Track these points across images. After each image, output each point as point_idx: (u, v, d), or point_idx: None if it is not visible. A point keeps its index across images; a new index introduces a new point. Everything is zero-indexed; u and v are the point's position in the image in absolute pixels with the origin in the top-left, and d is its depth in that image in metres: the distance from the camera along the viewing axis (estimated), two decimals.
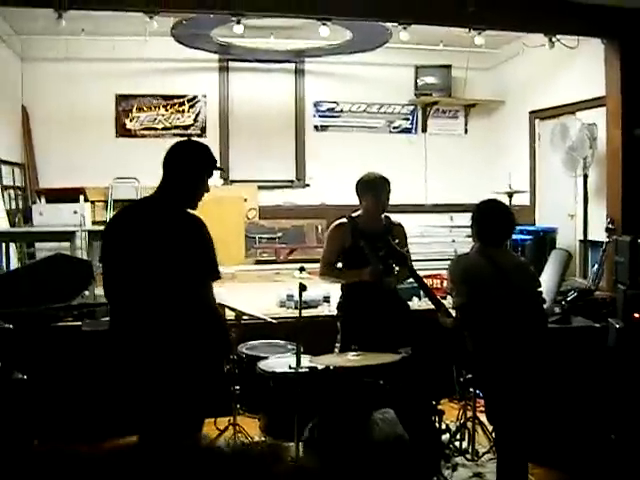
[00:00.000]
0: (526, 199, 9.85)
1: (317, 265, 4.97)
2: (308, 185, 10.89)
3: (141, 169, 9.30)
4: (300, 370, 4.31)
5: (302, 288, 4.42)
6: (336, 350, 4.67)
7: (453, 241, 10.12)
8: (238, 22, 7.37)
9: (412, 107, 11.26)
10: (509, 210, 4.28)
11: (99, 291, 6.40)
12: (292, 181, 10.93)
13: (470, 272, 4.03)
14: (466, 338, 3.99)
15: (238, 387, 4.67)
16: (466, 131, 11.43)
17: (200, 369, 3.40)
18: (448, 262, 4.34)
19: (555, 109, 9.36)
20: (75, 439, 4.84)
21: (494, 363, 3.87)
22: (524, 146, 10.20)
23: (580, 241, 8.73)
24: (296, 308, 5.07)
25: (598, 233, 7.87)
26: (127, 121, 10.38)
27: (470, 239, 4.31)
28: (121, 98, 10.32)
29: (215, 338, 3.47)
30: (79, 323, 5.48)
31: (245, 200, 10.23)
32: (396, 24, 7.64)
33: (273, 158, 10.85)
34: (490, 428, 4.53)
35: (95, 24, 8.73)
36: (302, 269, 5.29)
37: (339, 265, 4.83)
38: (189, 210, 3.49)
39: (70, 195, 8.99)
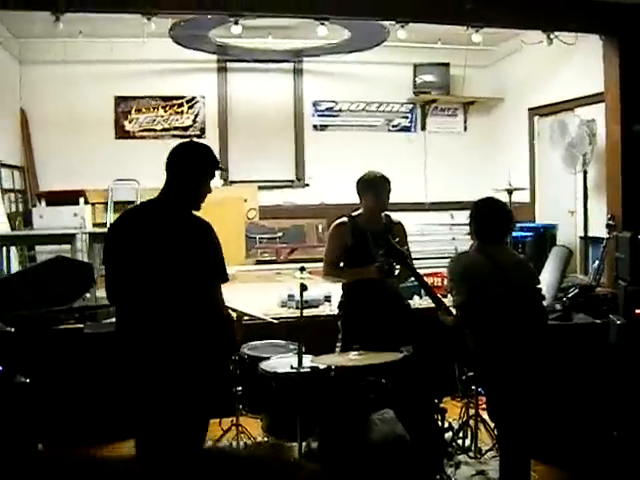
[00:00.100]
0: (526, 196, 9.85)
1: (318, 265, 4.98)
2: (308, 185, 10.90)
3: (141, 171, 9.33)
4: (302, 370, 4.32)
5: (303, 288, 4.42)
6: (337, 349, 4.68)
7: (453, 239, 10.14)
8: (236, 23, 7.38)
9: (411, 105, 11.27)
10: (507, 207, 4.28)
11: (100, 293, 6.44)
12: (292, 181, 10.94)
13: (470, 270, 4.03)
14: (467, 336, 3.99)
15: (240, 388, 4.68)
16: (465, 129, 11.43)
17: (207, 371, 3.41)
18: (448, 260, 4.34)
19: (554, 106, 9.36)
20: (79, 442, 4.86)
21: (495, 361, 3.88)
22: (523, 143, 10.20)
23: (580, 238, 8.73)
24: (297, 308, 5.07)
25: (598, 229, 7.87)
26: (126, 123, 10.38)
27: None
28: (120, 100, 10.33)
29: (221, 341, 3.49)
30: (81, 326, 5.47)
31: (245, 200, 10.22)
32: (394, 22, 7.65)
33: (272, 158, 10.86)
34: (492, 425, 4.54)
35: (93, 26, 8.74)
36: (303, 269, 5.28)
37: (341, 265, 4.83)
38: (194, 212, 3.49)
39: (70, 197, 9.02)
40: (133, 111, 10.39)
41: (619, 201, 7.13)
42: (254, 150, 10.66)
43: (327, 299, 6.52)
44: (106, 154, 9.85)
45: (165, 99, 10.50)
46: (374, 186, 4.76)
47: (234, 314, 4.69)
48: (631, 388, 4.92)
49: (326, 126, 11.05)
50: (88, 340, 5.24)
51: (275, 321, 5.20)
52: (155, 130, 10.46)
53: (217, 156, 3.70)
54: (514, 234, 8.32)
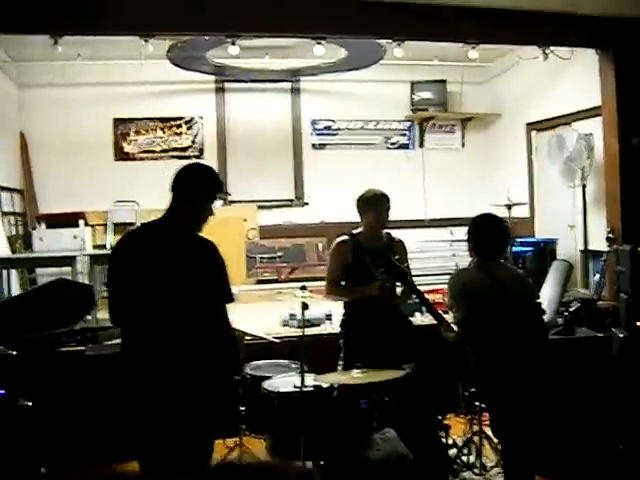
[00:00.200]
0: (525, 211, 9.86)
1: (318, 283, 4.98)
2: (307, 203, 10.91)
3: (140, 192, 9.36)
4: (305, 389, 4.31)
5: (304, 307, 4.42)
6: (339, 368, 4.67)
7: (454, 255, 10.12)
8: (233, 43, 7.42)
9: (409, 123, 11.30)
10: (504, 223, 4.30)
11: (101, 315, 6.43)
12: (291, 200, 10.94)
13: (469, 287, 4.04)
14: (468, 352, 3.99)
15: (243, 408, 4.66)
16: (463, 145, 11.45)
17: (213, 392, 3.41)
18: (449, 276, 4.35)
19: (551, 120, 9.38)
20: (81, 465, 4.84)
21: (496, 376, 3.88)
22: (522, 158, 10.21)
23: (581, 251, 8.72)
24: (299, 327, 5.04)
25: (598, 243, 7.85)
26: (125, 144, 10.40)
27: None
28: (118, 122, 10.36)
29: (227, 361, 3.48)
30: (82, 348, 5.46)
31: (245, 220, 10.23)
32: (390, 41, 7.69)
33: (271, 177, 10.87)
34: (496, 441, 4.52)
35: (91, 49, 8.79)
36: (304, 287, 5.26)
37: (342, 283, 4.83)
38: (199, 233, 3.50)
39: (70, 220, 9.02)
40: (132, 133, 10.42)
41: (618, 214, 7.12)
42: (253, 170, 10.67)
43: (328, 317, 6.52)
44: (105, 176, 9.86)
45: (164, 120, 10.53)
46: (374, 204, 4.77)
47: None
48: (635, 400, 4.91)
49: (325, 145, 11.07)
50: (90, 362, 5.23)
51: (277, 340, 5.18)
52: (154, 151, 10.48)
53: None
54: (514, 249, 8.35)
